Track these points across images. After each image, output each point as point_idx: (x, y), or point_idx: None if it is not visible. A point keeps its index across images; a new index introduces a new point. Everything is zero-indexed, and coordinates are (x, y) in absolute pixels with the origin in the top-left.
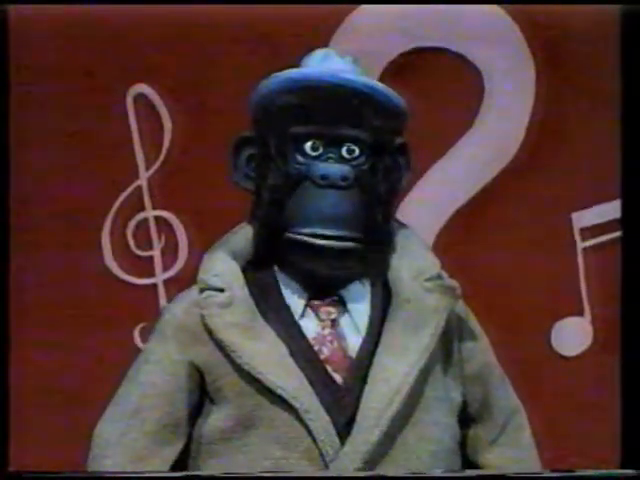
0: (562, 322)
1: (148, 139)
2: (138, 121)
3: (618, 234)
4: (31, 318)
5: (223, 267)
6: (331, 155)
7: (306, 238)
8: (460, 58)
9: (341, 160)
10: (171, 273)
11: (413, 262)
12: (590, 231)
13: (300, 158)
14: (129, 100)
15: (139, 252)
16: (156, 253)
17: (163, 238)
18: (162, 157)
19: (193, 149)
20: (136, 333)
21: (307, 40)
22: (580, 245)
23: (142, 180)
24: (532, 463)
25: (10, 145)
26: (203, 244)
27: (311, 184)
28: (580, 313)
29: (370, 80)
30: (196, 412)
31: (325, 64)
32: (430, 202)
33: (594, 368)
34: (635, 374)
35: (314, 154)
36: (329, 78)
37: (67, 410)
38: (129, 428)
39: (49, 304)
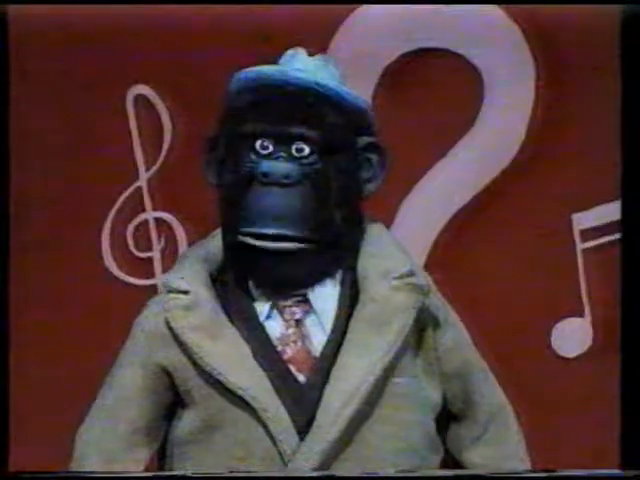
0: (562, 323)
1: (148, 139)
2: (138, 121)
3: (618, 235)
4: (31, 318)
5: (190, 270)
6: (281, 154)
7: (249, 239)
8: (460, 58)
9: (291, 159)
10: None
11: (382, 261)
12: (590, 232)
13: (252, 157)
14: (129, 100)
15: (139, 253)
16: (156, 254)
17: (163, 239)
18: (162, 158)
19: (193, 150)
20: None
21: (307, 40)
22: (580, 246)
23: (142, 181)
24: (518, 461)
25: (10, 145)
26: None
27: (257, 183)
28: (580, 314)
29: (323, 79)
30: (169, 414)
31: (290, 63)
32: (430, 202)
33: (594, 369)
34: (635, 375)
35: (264, 152)
36: (279, 76)
37: (67, 410)
38: (104, 431)
39: (49, 305)
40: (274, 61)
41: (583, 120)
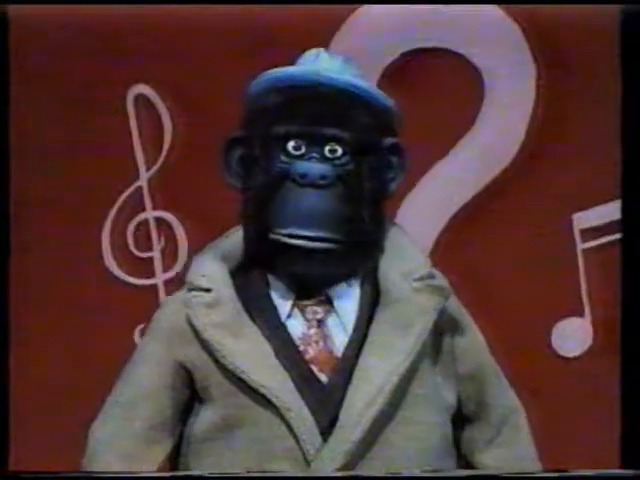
0: (562, 323)
1: (148, 139)
2: (138, 121)
3: (618, 235)
4: (31, 318)
5: (210, 268)
6: (314, 154)
7: (285, 239)
8: (460, 58)
9: (324, 159)
10: (171, 274)
11: (403, 262)
12: (590, 232)
13: (283, 158)
14: (129, 100)
15: (139, 253)
16: (156, 254)
17: (163, 239)
18: (162, 157)
19: (193, 149)
20: (136, 333)
21: (307, 40)
22: (580, 246)
23: (142, 181)
24: (530, 463)
25: (10, 145)
26: (203, 245)
27: (292, 183)
28: (580, 314)
29: (354, 79)
30: (186, 411)
31: (315, 63)
32: (431, 202)
33: (594, 369)
34: (635, 375)
35: (297, 153)
36: (311, 76)
37: (67, 410)
38: (119, 427)
39: (49, 304)
40: (273, 60)
41: (583, 120)
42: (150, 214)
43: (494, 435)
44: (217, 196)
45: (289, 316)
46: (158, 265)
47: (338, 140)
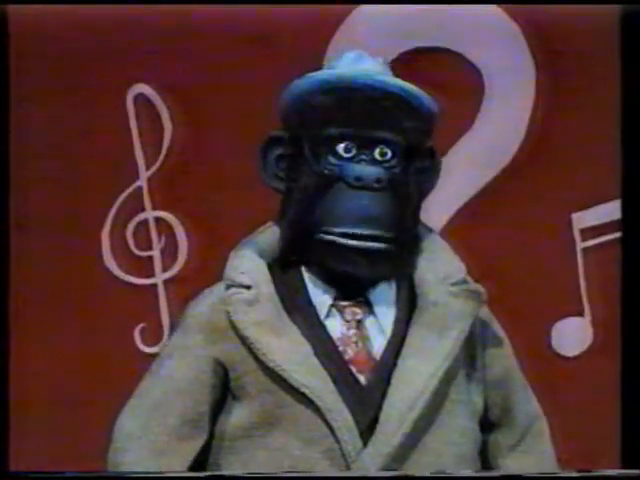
0: (562, 322)
1: (148, 139)
2: (138, 121)
3: (618, 235)
4: (31, 318)
5: (250, 265)
6: (364, 157)
7: (338, 238)
8: (460, 58)
9: (373, 162)
10: (171, 273)
11: (439, 265)
12: (590, 231)
13: (332, 159)
14: (129, 100)
15: (139, 252)
16: (156, 253)
17: (163, 238)
18: (162, 157)
19: (193, 149)
20: (136, 333)
21: (307, 40)
22: (580, 245)
23: (142, 180)
24: (550, 471)
25: (10, 145)
26: (202, 244)
27: (344, 185)
28: (580, 313)
29: (403, 82)
30: (218, 408)
31: (357, 65)
32: (430, 202)
33: (594, 368)
34: (635, 374)
35: (347, 155)
36: (363, 79)
37: (67, 410)
38: (151, 422)
39: (49, 304)
40: (274, 60)
41: (583, 120)
42: (150, 214)
43: (518, 441)
44: (217, 196)
45: (327, 316)
46: (158, 265)
47: (388, 143)
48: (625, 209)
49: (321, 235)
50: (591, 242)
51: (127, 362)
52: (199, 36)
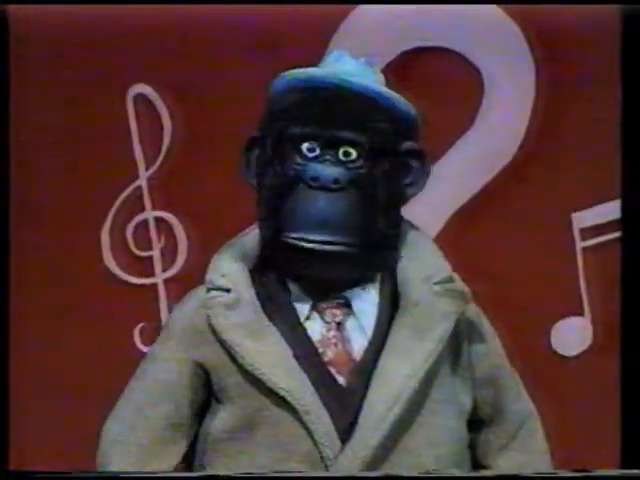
0: (562, 322)
1: (148, 139)
2: (138, 121)
3: (618, 234)
4: (31, 318)
5: (230, 268)
6: (328, 157)
7: (295, 242)
8: (460, 58)
9: (338, 162)
10: (171, 273)
11: (423, 265)
12: (590, 231)
13: (298, 159)
14: (129, 100)
15: (139, 252)
16: (156, 253)
17: (163, 238)
18: (162, 157)
19: (193, 149)
20: (136, 333)
21: (307, 40)
22: (580, 245)
23: (142, 180)
24: (544, 469)
25: (10, 145)
26: (203, 244)
27: (304, 186)
28: (580, 313)
29: (373, 83)
30: (202, 411)
31: (337, 65)
32: (430, 202)
33: (594, 368)
34: (635, 374)
35: (311, 155)
36: (329, 79)
37: (67, 410)
38: (135, 426)
39: (49, 304)
40: (274, 60)
41: (583, 120)
42: (150, 214)
43: (509, 440)
44: (217, 195)
45: (308, 318)
46: (158, 264)
47: (353, 143)
48: (625, 209)
49: (282, 238)
50: (591, 242)
51: (127, 362)
52: (199, 36)
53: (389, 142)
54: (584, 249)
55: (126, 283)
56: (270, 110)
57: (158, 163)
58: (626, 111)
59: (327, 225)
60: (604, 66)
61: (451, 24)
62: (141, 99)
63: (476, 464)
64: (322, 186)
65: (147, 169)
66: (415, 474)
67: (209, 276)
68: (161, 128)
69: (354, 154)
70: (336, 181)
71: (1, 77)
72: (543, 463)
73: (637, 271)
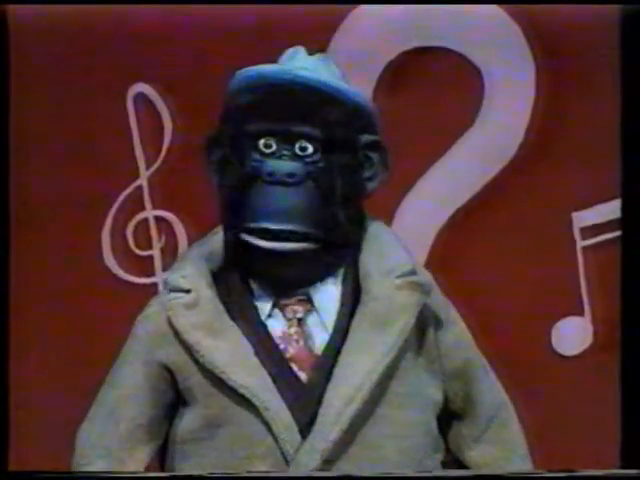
0: (562, 322)
1: (148, 139)
2: (138, 121)
3: (618, 234)
4: (31, 318)
5: (191, 268)
6: (285, 152)
7: (250, 238)
8: (460, 57)
9: (294, 157)
10: None
11: (385, 260)
12: (590, 230)
13: (256, 156)
14: (129, 100)
15: (139, 252)
16: (156, 252)
17: (163, 238)
18: (162, 156)
19: (193, 149)
20: None
21: (307, 40)
22: (580, 244)
23: (142, 180)
24: (520, 459)
25: (10, 145)
26: None
27: (261, 182)
28: (580, 313)
29: (325, 77)
30: (171, 413)
31: (290, 62)
32: (430, 201)
33: (594, 368)
34: (635, 374)
35: (268, 152)
36: (282, 75)
37: (67, 410)
38: (104, 429)
39: (49, 304)
40: (273, 60)
41: (583, 119)
42: (150, 213)
43: (482, 431)
44: (218, 195)
45: (270, 315)
46: (158, 264)
47: (308, 137)
48: (625, 208)
49: (241, 235)
50: (591, 241)
51: None
52: (199, 36)
53: (346, 135)
54: (584, 248)
55: (126, 282)
56: (226, 108)
57: (158, 162)
58: (626, 111)
59: (284, 214)
60: (604, 66)
61: (451, 24)
62: (141, 99)
63: (450, 457)
64: (278, 181)
65: (147, 168)
66: (415, 474)
67: (169, 277)
68: (161, 128)
69: (310, 148)
70: (291, 175)
71: (1, 77)
72: (518, 454)
73: (637, 271)
